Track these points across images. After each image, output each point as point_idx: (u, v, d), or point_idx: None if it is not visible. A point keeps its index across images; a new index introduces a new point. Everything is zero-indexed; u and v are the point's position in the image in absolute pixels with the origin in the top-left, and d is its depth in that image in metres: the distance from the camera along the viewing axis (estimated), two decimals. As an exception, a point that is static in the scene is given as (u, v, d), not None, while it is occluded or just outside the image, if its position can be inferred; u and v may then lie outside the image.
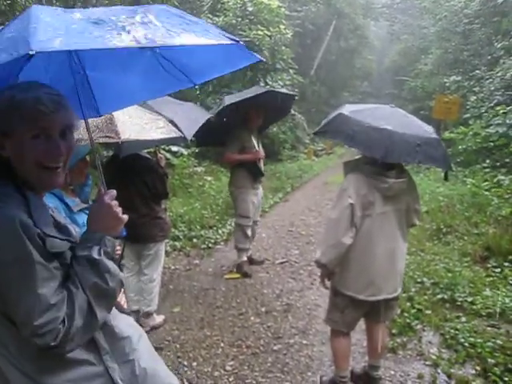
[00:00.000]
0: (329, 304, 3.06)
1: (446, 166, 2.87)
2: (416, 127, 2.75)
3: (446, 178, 3.22)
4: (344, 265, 2.80)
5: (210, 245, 6.61)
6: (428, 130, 2.75)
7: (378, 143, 2.55)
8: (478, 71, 14.76)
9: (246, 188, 5.33)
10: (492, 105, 12.00)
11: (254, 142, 5.32)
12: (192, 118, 3.95)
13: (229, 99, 5.21)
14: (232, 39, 1.55)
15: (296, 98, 5.92)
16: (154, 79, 1.91)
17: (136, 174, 3.75)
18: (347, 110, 2.80)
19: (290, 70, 14.96)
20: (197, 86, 2.00)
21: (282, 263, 5.94)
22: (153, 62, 1.77)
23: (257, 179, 5.38)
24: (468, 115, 12.63)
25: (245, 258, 5.58)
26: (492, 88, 12.86)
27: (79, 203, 2.44)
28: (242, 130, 5.26)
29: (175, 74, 1.85)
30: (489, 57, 15.20)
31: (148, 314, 4.02)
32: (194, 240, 6.72)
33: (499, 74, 12.93)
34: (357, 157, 2.92)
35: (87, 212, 1.55)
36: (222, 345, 3.85)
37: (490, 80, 13.29)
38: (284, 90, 5.83)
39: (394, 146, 2.53)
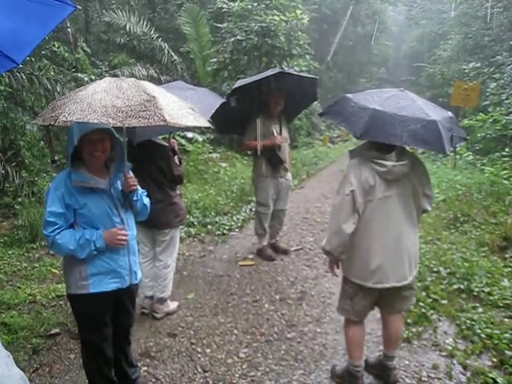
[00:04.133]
0: (340, 292, 3.06)
1: (438, 148, 2.56)
2: (414, 110, 2.60)
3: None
4: (349, 252, 2.81)
5: (225, 231, 6.61)
6: (428, 113, 2.56)
7: (359, 121, 2.56)
8: (498, 57, 14.40)
9: (265, 177, 5.31)
10: (513, 91, 11.74)
11: (274, 129, 5.24)
12: (205, 103, 3.88)
13: (239, 82, 5.25)
14: None
15: (316, 79, 5.71)
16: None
17: (151, 161, 3.74)
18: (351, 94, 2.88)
19: (307, 56, 14.76)
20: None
21: (296, 250, 5.92)
22: None
23: (276, 168, 5.32)
24: (487, 102, 12.36)
25: (265, 243, 5.61)
26: (513, 74, 12.57)
27: None
28: (262, 117, 5.19)
29: None
30: (511, 42, 14.81)
31: (162, 300, 4.04)
32: (209, 226, 6.74)
33: (521, 60, 12.64)
34: (360, 144, 2.89)
35: None
36: (235, 332, 3.86)
37: (512, 66, 12.99)
38: (301, 74, 5.67)
39: (375, 125, 2.52)
